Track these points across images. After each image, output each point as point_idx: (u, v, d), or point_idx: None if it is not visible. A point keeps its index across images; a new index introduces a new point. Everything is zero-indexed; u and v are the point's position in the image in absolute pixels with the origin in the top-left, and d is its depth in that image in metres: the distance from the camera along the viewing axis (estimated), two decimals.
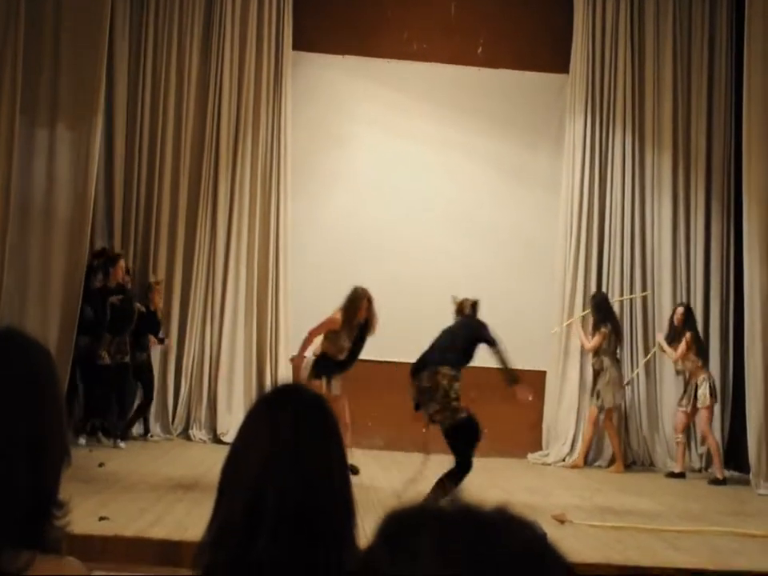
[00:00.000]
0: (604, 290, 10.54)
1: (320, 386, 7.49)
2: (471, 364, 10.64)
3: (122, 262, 9.51)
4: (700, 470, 10.13)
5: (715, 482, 9.23)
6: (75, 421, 9.17)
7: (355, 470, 7.34)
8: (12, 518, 1.36)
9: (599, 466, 10.19)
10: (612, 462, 10.08)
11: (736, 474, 9.67)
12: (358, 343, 7.84)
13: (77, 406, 9.30)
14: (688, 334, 9.61)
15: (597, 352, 9.95)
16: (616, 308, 10.35)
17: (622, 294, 10.61)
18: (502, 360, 6.85)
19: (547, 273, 10.66)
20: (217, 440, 9.94)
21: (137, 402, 9.85)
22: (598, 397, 9.92)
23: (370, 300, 7.79)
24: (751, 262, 8.94)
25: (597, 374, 10.00)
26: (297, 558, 1.51)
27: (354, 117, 10.79)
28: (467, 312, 7.10)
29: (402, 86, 10.80)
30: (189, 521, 5.63)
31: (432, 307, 10.40)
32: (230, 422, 9.84)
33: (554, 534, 5.54)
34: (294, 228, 10.56)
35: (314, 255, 10.54)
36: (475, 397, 10.65)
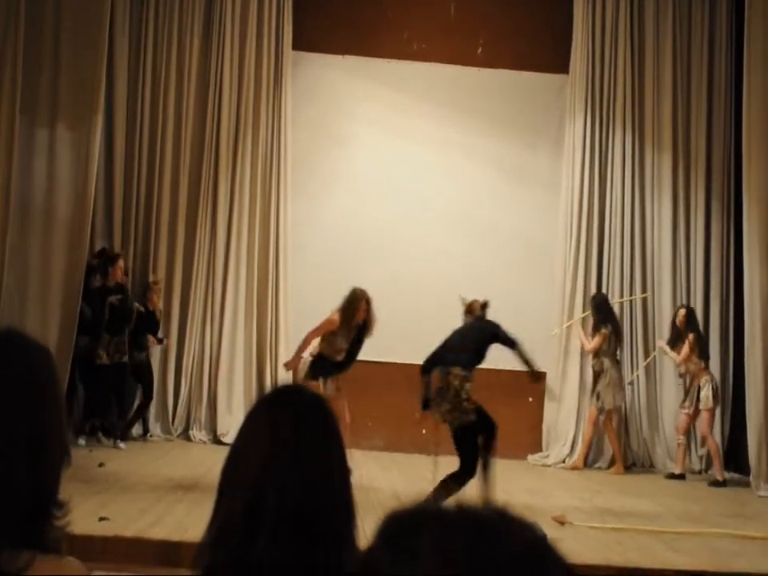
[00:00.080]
0: (604, 290, 10.54)
1: (317, 386, 7.47)
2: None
3: (120, 262, 9.50)
4: (700, 472, 10.12)
5: (715, 483, 9.23)
6: (75, 421, 9.17)
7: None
8: (12, 518, 1.36)
9: (599, 468, 10.18)
10: (612, 463, 10.08)
11: (736, 475, 9.66)
12: (356, 345, 7.81)
13: (76, 406, 9.31)
14: (690, 336, 9.59)
15: (597, 353, 9.95)
16: (616, 309, 10.35)
17: (621, 295, 10.61)
18: (526, 359, 6.94)
19: (547, 273, 10.65)
20: (217, 441, 9.94)
21: (136, 402, 9.85)
22: (598, 398, 9.92)
23: (368, 301, 7.76)
24: (751, 261, 8.94)
25: (597, 376, 10.00)
26: (297, 558, 1.51)
27: (354, 117, 10.79)
28: (477, 313, 7.09)
29: (402, 86, 10.80)
30: (189, 521, 5.63)
31: (432, 307, 10.42)
32: (230, 423, 9.84)
33: (554, 535, 5.56)
34: (294, 228, 10.56)
35: (314, 255, 10.54)
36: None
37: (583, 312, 10.42)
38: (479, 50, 10.95)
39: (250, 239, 10.40)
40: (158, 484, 7.17)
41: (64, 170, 9.11)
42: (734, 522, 7.16)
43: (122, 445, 9.14)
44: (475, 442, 6.57)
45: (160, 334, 9.96)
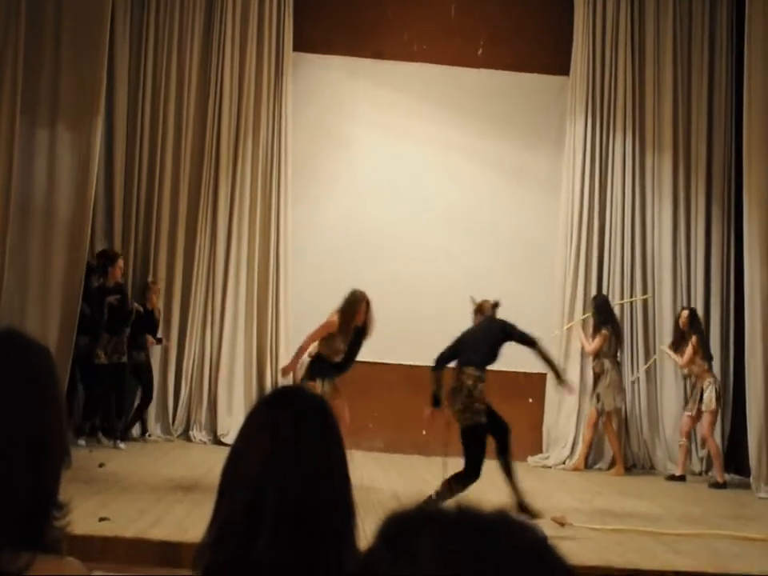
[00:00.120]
0: (604, 292, 10.54)
1: (315, 387, 7.45)
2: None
3: (120, 262, 9.50)
4: (700, 474, 10.11)
5: (715, 485, 9.22)
6: (75, 422, 9.17)
7: None
8: (12, 518, 1.36)
9: (599, 469, 10.18)
10: (612, 464, 10.08)
11: (736, 477, 9.66)
12: (354, 347, 7.79)
13: (76, 406, 9.31)
14: (694, 338, 9.57)
15: (597, 355, 9.94)
16: (616, 311, 10.35)
17: (622, 297, 10.61)
18: (547, 357, 7.02)
19: (547, 275, 10.65)
20: (217, 441, 9.94)
21: (136, 403, 9.85)
22: (598, 399, 9.92)
23: (368, 303, 7.74)
24: (752, 263, 8.94)
25: (597, 377, 10.00)
26: (297, 557, 1.51)
27: (355, 118, 10.79)
28: (488, 313, 7.08)
29: (403, 88, 10.80)
30: (189, 522, 5.63)
31: (432, 309, 10.44)
32: (231, 424, 9.84)
33: (554, 536, 5.54)
34: (295, 229, 10.56)
35: (315, 256, 10.54)
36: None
37: (583, 314, 10.41)
38: (479, 51, 10.95)
39: (250, 240, 10.40)
40: (158, 484, 7.17)
41: (64, 170, 9.11)
42: (735, 523, 7.16)
43: (121, 445, 9.14)
44: (483, 444, 6.56)
45: (159, 334, 9.96)
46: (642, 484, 9.34)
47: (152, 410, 10.05)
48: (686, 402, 9.78)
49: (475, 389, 6.59)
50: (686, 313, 9.84)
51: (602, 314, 10.01)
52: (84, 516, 5.31)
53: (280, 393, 1.75)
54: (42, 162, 9.08)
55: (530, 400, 10.53)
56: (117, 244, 10.06)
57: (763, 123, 8.92)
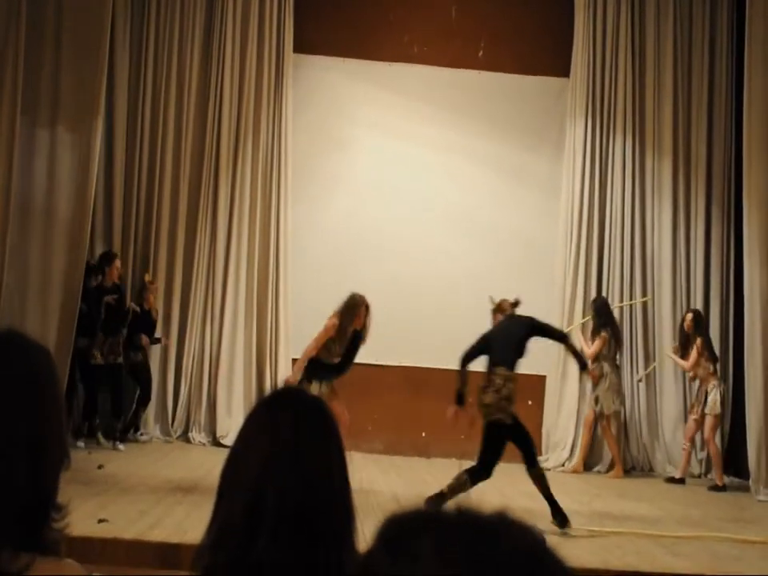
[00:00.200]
0: (604, 293, 10.54)
1: (312, 390, 7.44)
2: (470, 368, 10.66)
3: (117, 262, 9.50)
4: (699, 476, 10.11)
5: (715, 488, 9.21)
6: (74, 422, 9.16)
7: None
8: (11, 519, 1.36)
9: (598, 471, 10.18)
10: (611, 467, 10.07)
11: (736, 480, 9.66)
12: (352, 350, 7.78)
13: (76, 406, 9.30)
14: (699, 340, 9.53)
15: (597, 357, 9.93)
16: (616, 313, 10.34)
17: (621, 299, 10.61)
18: (574, 349, 7.32)
19: (547, 276, 10.65)
20: (216, 443, 9.93)
21: (134, 404, 9.83)
22: (597, 402, 9.91)
23: (368, 307, 7.73)
24: (751, 266, 8.94)
25: (596, 380, 9.99)
26: (297, 558, 1.51)
27: (355, 120, 10.80)
28: (508, 311, 7.10)
29: (403, 89, 10.81)
30: (188, 523, 5.63)
31: (432, 310, 10.45)
32: (230, 425, 9.84)
33: (553, 538, 5.54)
34: (295, 230, 10.56)
35: (315, 257, 10.55)
36: (474, 401, 10.69)
37: (583, 316, 10.41)
38: (480, 54, 10.95)
39: (250, 241, 10.41)
40: (157, 486, 7.17)
41: (64, 170, 9.11)
42: (734, 526, 7.16)
43: (121, 447, 9.13)
44: (502, 445, 6.62)
45: (158, 334, 9.95)
46: (641, 486, 9.34)
47: (151, 411, 10.04)
48: (692, 406, 9.75)
49: (504, 387, 6.62)
50: (690, 315, 9.81)
51: (602, 317, 10.01)
52: (83, 518, 5.32)
53: (279, 394, 1.75)
54: (42, 162, 9.09)
55: (530, 402, 10.51)
56: (116, 244, 10.06)
57: (763, 125, 8.92)
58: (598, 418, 9.98)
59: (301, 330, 9.92)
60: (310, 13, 10.69)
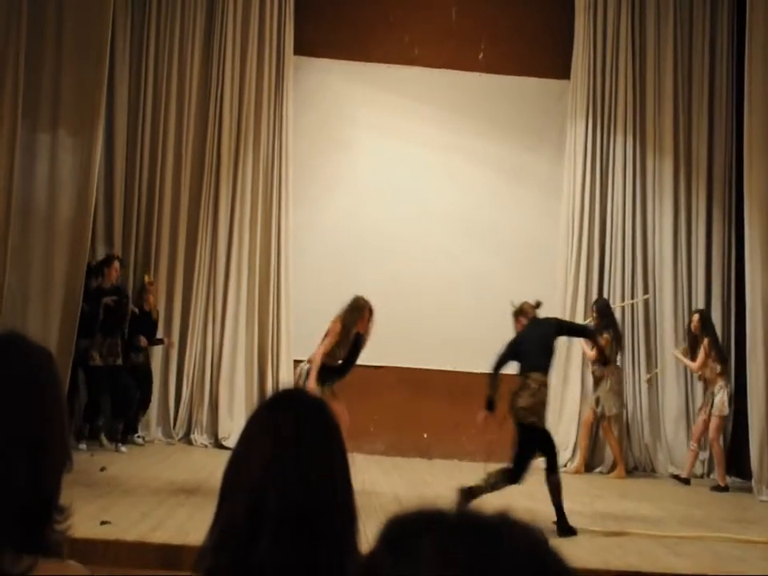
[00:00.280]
0: (605, 294, 10.53)
1: (317, 392, 7.43)
2: (470, 369, 10.67)
3: (116, 264, 9.49)
4: (702, 476, 10.10)
5: (717, 488, 9.20)
6: (76, 424, 9.16)
7: None
8: (13, 521, 1.36)
9: (600, 472, 10.17)
10: (613, 467, 10.06)
11: (738, 480, 9.65)
12: (353, 353, 7.77)
13: (78, 408, 9.30)
14: (706, 341, 9.49)
15: (598, 359, 9.91)
16: (617, 314, 10.34)
17: (623, 299, 10.60)
18: (599, 344, 7.84)
19: (548, 276, 10.63)
20: (218, 444, 9.93)
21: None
22: (597, 403, 9.90)
23: (371, 311, 7.73)
24: (753, 268, 8.93)
25: (597, 381, 9.99)
26: (299, 560, 1.51)
27: (355, 121, 10.80)
28: (531, 314, 7.10)
29: (403, 91, 10.81)
30: (190, 525, 5.63)
31: (432, 310, 10.45)
32: (232, 427, 9.84)
33: (555, 539, 5.53)
34: (295, 231, 10.56)
35: (315, 258, 10.55)
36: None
37: (584, 318, 10.40)
38: (480, 55, 10.95)
39: (251, 243, 10.41)
40: (159, 488, 7.17)
41: (65, 173, 9.12)
42: (736, 526, 7.16)
43: (123, 449, 9.13)
44: (535, 448, 6.68)
45: (159, 335, 9.94)
46: (644, 487, 9.33)
47: (153, 413, 10.04)
48: (701, 407, 9.72)
49: (540, 393, 6.66)
50: (696, 316, 9.77)
51: (604, 319, 10.00)
52: (85, 520, 5.31)
53: (281, 396, 1.75)
54: (44, 164, 9.10)
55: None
56: (117, 246, 10.06)
57: (764, 128, 8.92)
58: (599, 419, 9.97)
59: (302, 331, 9.93)
60: (310, 15, 10.70)
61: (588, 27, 10.74)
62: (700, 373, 9.65)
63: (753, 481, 8.94)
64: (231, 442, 8.90)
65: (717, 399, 9.35)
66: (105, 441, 9.30)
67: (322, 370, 7.63)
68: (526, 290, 10.52)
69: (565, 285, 10.59)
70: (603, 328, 9.92)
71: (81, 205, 9.07)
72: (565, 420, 10.44)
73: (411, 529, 0.80)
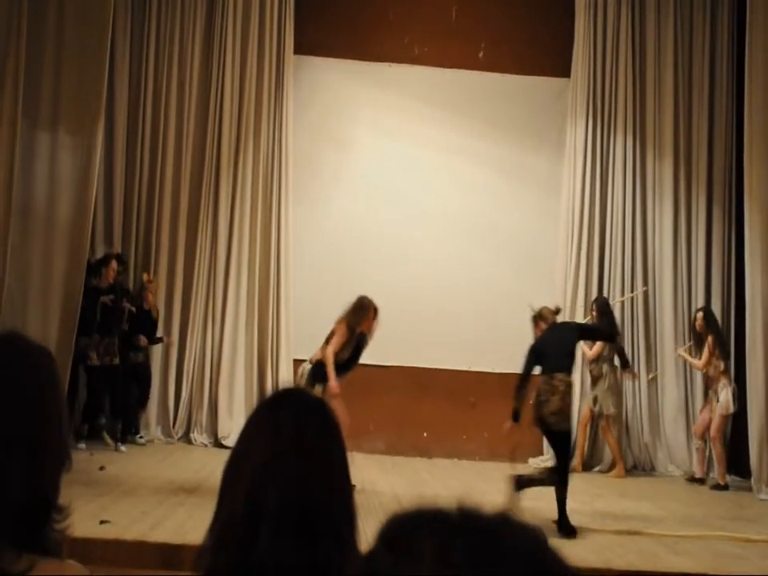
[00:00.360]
0: (605, 293, 10.51)
1: (316, 392, 7.44)
2: (470, 368, 10.67)
3: (113, 263, 9.48)
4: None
5: (717, 487, 9.20)
6: (75, 424, 9.16)
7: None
8: (12, 520, 1.36)
9: (600, 471, 10.17)
10: (612, 466, 10.06)
11: (737, 479, 9.65)
12: (356, 352, 7.78)
13: (77, 408, 9.29)
14: (709, 338, 9.46)
15: (596, 358, 9.92)
16: (617, 311, 10.33)
17: (622, 296, 10.58)
18: (621, 348, 8.09)
19: (548, 276, 10.64)
20: (218, 444, 9.93)
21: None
22: (595, 402, 9.90)
23: (376, 311, 7.74)
24: (753, 268, 8.93)
25: (595, 380, 9.98)
26: (298, 558, 1.51)
27: (356, 120, 10.80)
28: (550, 318, 7.12)
29: (404, 90, 10.81)
30: (190, 524, 5.63)
31: (433, 309, 10.45)
32: (231, 426, 9.84)
33: (555, 538, 5.53)
34: (296, 231, 10.56)
35: (316, 258, 10.55)
36: (475, 402, 10.69)
37: (584, 317, 10.39)
38: (481, 54, 10.95)
39: (251, 242, 10.41)
40: (158, 487, 7.17)
41: (65, 172, 9.12)
42: (736, 525, 7.16)
43: (122, 448, 9.13)
44: (569, 451, 6.88)
45: (159, 333, 9.93)
46: (643, 486, 9.33)
47: (153, 412, 10.04)
48: (704, 404, 9.71)
49: (567, 394, 6.76)
50: (700, 314, 9.74)
51: (604, 317, 9.99)
52: (84, 519, 5.32)
53: (281, 395, 1.75)
54: (44, 165, 9.10)
55: (531, 402, 10.51)
56: (117, 245, 10.06)
57: (764, 128, 8.92)
58: (597, 417, 9.97)
59: (302, 330, 9.93)
60: (310, 14, 10.69)
61: (588, 26, 10.74)
62: (705, 371, 9.63)
63: (752, 479, 8.95)
64: (231, 441, 8.90)
65: (721, 398, 9.32)
66: (108, 439, 9.28)
67: (324, 370, 7.64)
68: (526, 290, 10.56)
69: (564, 284, 10.59)
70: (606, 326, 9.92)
71: (80, 204, 9.07)
72: None
73: (411, 528, 0.80)
